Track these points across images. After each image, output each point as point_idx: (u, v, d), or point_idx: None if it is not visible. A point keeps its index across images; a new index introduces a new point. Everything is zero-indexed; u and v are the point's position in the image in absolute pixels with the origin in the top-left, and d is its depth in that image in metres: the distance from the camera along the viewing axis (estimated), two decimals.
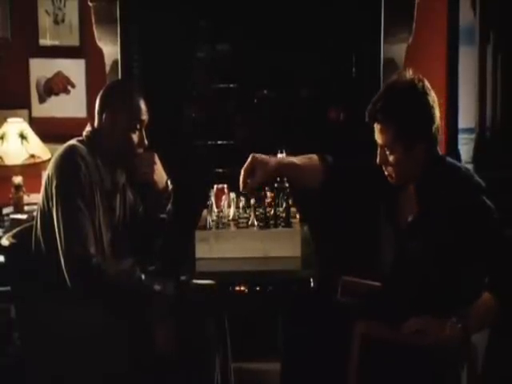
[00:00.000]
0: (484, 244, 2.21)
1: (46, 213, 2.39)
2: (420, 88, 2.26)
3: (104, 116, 2.49)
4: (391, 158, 2.29)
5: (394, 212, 2.45)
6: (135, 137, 2.50)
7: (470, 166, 3.91)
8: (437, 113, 2.28)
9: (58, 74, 4.11)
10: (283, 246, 2.68)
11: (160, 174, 2.66)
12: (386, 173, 2.35)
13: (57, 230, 2.33)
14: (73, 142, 2.48)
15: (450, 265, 2.24)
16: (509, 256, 2.18)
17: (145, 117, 2.52)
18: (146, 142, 2.53)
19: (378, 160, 2.33)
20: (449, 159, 2.39)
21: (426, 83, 2.29)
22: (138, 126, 2.50)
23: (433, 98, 2.27)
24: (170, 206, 2.72)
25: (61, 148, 2.45)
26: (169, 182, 2.70)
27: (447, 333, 2.14)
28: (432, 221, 2.26)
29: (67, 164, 2.38)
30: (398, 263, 2.43)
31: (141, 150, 2.54)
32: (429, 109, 2.26)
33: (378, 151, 2.32)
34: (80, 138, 2.51)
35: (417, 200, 2.35)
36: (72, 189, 2.35)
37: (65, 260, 2.29)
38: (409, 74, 2.30)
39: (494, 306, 2.17)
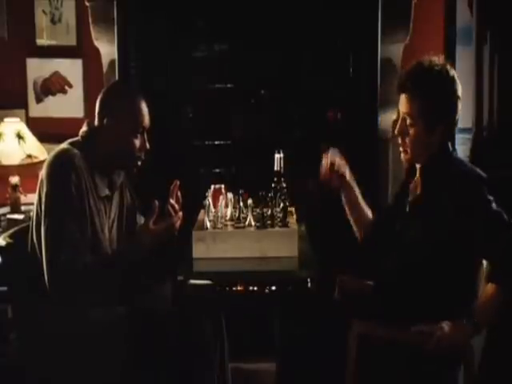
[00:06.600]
0: (482, 232, 2.19)
1: (39, 216, 2.37)
2: (452, 75, 2.27)
3: (105, 120, 2.44)
4: (411, 131, 2.29)
5: (404, 199, 2.45)
6: (137, 141, 2.47)
7: None
8: (460, 106, 2.27)
9: (55, 74, 4.10)
10: (280, 245, 2.68)
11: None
12: (400, 148, 2.35)
13: (43, 239, 2.30)
14: (66, 145, 2.41)
15: (447, 252, 2.24)
16: (509, 241, 2.16)
17: (147, 122, 2.49)
18: (147, 145, 2.51)
19: (396, 131, 2.33)
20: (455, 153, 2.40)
21: (457, 75, 2.28)
22: (140, 131, 2.48)
23: (460, 90, 2.27)
24: None
25: (54, 151, 2.39)
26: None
27: (460, 335, 2.14)
28: (432, 204, 2.27)
29: (57, 173, 2.33)
30: (399, 250, 2.42)
31: (142, 154, 2.51)
32: (456, 97, 2.26)
33: (399, 122, 2.32)
34: (75, 140, 2.45)
35: (421, 183, 2.36)
36: (60, 201, 2.30)
37: (46, 270, 2.27)
38: (441, 59, 2.29)
39: (498, 295, 2.15)
